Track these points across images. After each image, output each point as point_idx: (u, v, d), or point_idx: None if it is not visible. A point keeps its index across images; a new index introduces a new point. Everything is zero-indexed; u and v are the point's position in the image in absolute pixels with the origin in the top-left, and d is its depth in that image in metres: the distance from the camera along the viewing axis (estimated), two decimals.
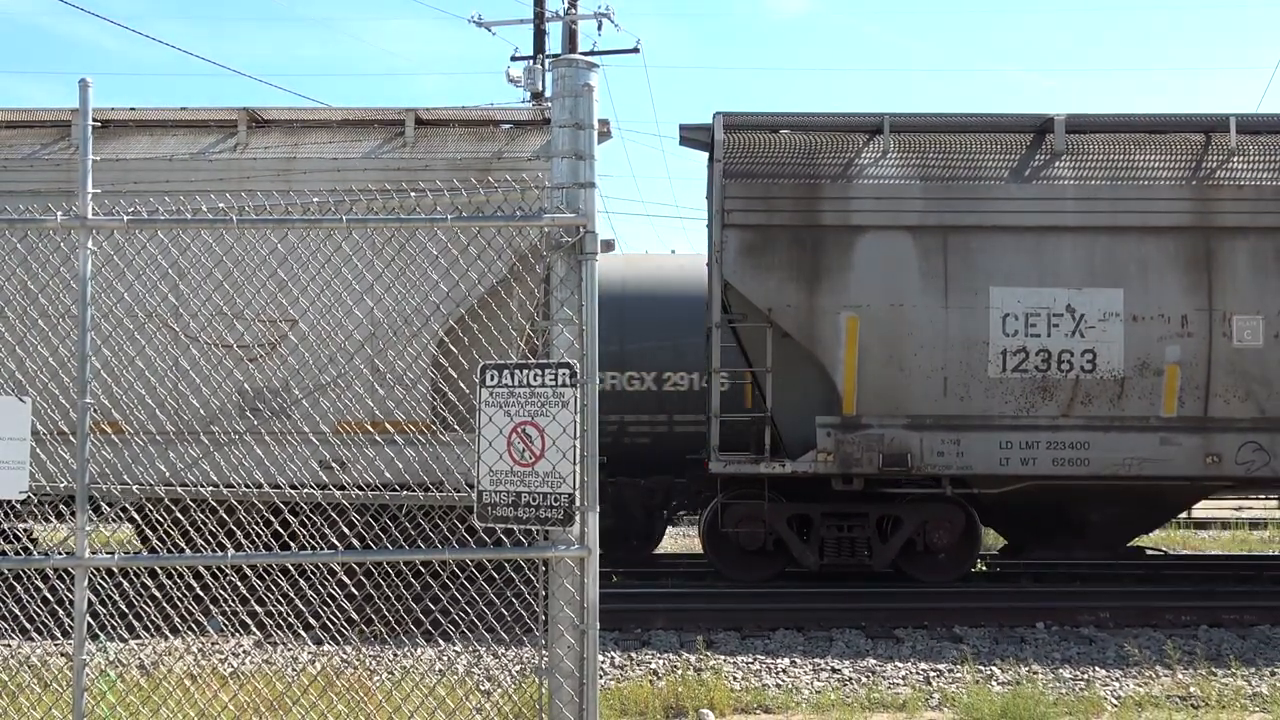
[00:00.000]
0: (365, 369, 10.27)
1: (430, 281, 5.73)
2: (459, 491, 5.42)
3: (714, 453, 11.62)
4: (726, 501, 12.06)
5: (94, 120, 12.51)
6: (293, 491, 5.64)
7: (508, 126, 12.02)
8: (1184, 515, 18.92)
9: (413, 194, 4.78)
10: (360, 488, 6.34)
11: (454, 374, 5.92)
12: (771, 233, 11.65)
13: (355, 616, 6.24)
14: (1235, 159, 11.79)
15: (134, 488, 5.66)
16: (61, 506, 6.17)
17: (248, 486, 5.89)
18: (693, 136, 12.37)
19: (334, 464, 9.07)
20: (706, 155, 12.38)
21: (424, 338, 10.18)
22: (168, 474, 7.05)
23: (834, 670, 8.90)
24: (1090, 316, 11.46)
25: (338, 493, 5.71)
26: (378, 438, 8.24)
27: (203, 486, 5.74)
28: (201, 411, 9.34)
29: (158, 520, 5.83)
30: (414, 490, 6.22)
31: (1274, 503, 21.53)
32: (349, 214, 4.74)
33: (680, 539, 18.16)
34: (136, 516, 6.06)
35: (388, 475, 8.42)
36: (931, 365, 11.49)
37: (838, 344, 11.50)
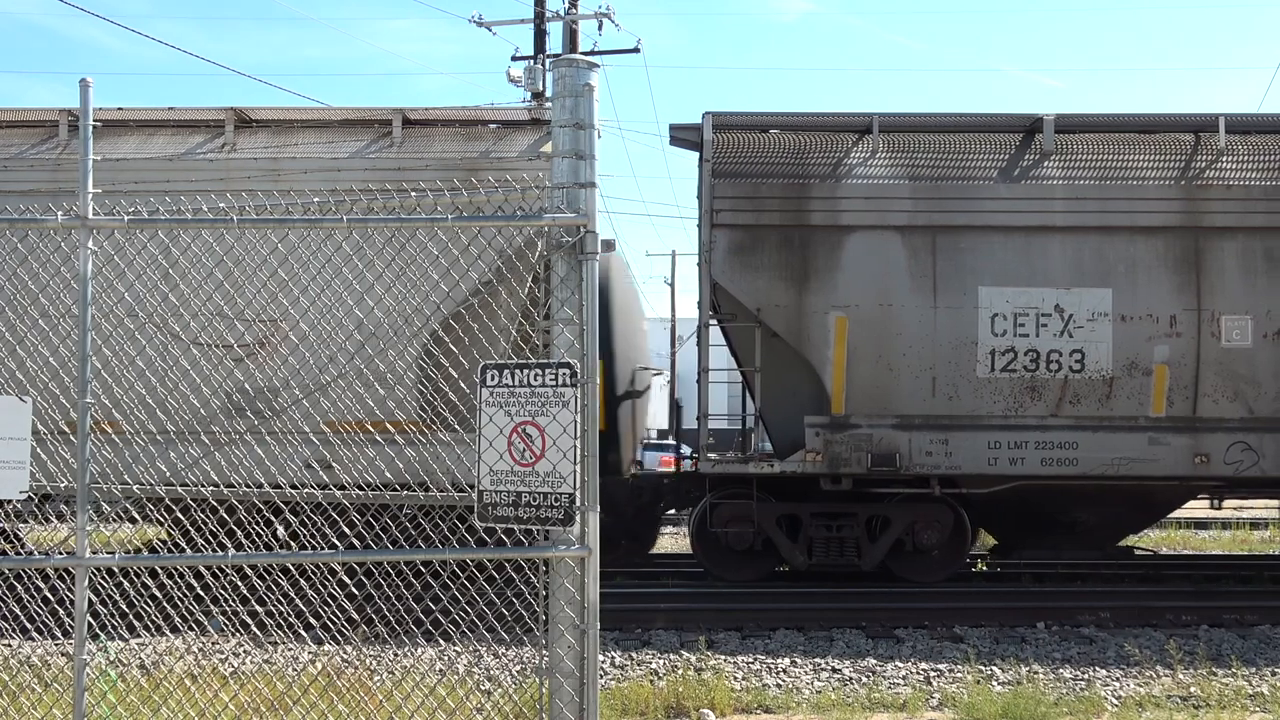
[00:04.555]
0: (365, 368, 10.26)
1: (424, 281, 5.74)
2: (459, 491, 5.43)
3: (703, 452, 11.61)
4: (715, 501, 12.05)
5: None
6: (293, 491, 5.64)
7: (495, 126, 12.03)
8: (1183, 515, 18.94)
9: (401, 194, 4.78)
10: (360, 487, 6.34)
11: (453, 373, 5.92)
12: (760, 232, 11.65)
13: (355, 616, 6.24)
14: (1224, 159, 11.79)
15: (134, 487, 5.66)
16: (62, 506, 6.17)
17: (247, 486, 5.89)
18: (682, 136, 12.36)
19: (328, 464, 9.07)
20: (697, 155, 12.37)
21: (416, 337, 10.20)
22: (168, 474, 7.05)
23: (834, 670, 8.90)
24: (1079, 316, 11.46)
25: (338, 493, 5.72)
26: (378, 437, 8.23)
27: (203, 486, 5.75)
28: (202, 411, 9.35)
29: (159, 520, 5.84)
30: (414, 489, 6.22)
31: (1275, 502, 21.48)
32: (349, 214, 4.75)
33: (680, 539, 18.15)
34: (139, 514, 6.05)
35: (388, 475, 8.42)
36: (920, 365, 11.49)
37: (826, 344, 11.50)
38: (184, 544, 5.91)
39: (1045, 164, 11.79)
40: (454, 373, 5.58)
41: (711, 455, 11.66)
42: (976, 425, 11.47)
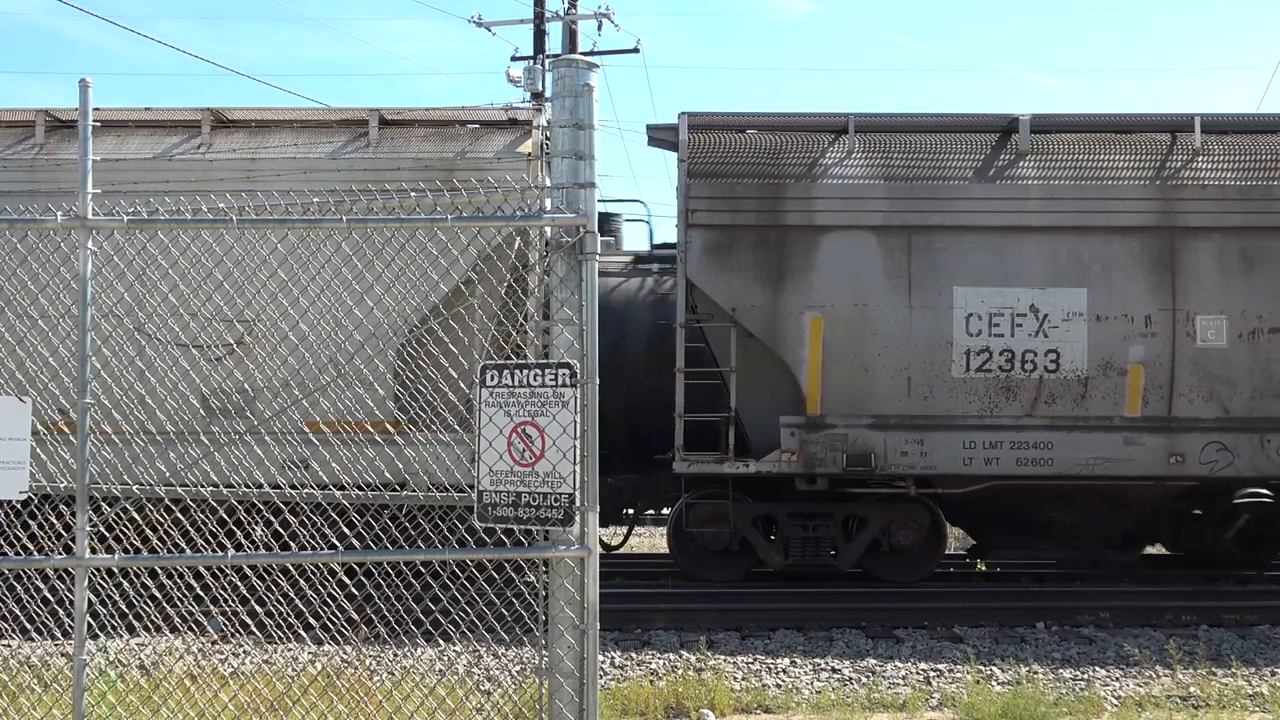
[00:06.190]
0: (358, 369, 10.26)
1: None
2: (458, 491, 5.43)
3: (678, 452, 11.59)
4: (692, 501, 12.04)
5: (57, 120, 12.50)
6: (292, 492, 5.64)
7: (473, 126, 12.03)
8: None
9: (399, 194, 4.78)
10: (355, 488, 6.33)
11: (433, 373, 5.92)
12: (736, 233, 11.63)
13: (355, 616, 6.24)
14: (1200, 159, 11.79)
15: (134, 488, 5.66)
16: (61, 506, 6.16)
17: (246, 487, 5.89)
18: (659, 137, 12.33)
19: (308, 464, 9.07)
20: (676, 156, 12.29)
21: (392, 337, 10.22)
22: (168, 473, 7.05)
23: (834, 670, 8.90)
24: (1054, 316, 11.45)
25: (338, 493, 5.72)
26: (378, 438, 8.22)
27: (202, 487, 5.74)
28: (202, 412, 9.34)
29: (158, 521, 5.84)
30: (408, 490, 6.22)
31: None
32: (348, 214, 4.75)
33: None
34: (136, 516, 6.06)
35: (386, 476, 8.41)
36: (895, 365, 11.48)
37: (802, 344, 11.49)
38: (183, 544, 5.91)
39: (1021, 164, 11.80)
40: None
41: (687, 455, 11.61)
42: (952, 425, 11.46)
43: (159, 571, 6.60)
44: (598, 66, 4.68)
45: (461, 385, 6.52)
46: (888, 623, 10.37)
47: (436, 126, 11.92)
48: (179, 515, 5.95)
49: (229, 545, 5.39)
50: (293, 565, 5.50)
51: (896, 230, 11.57)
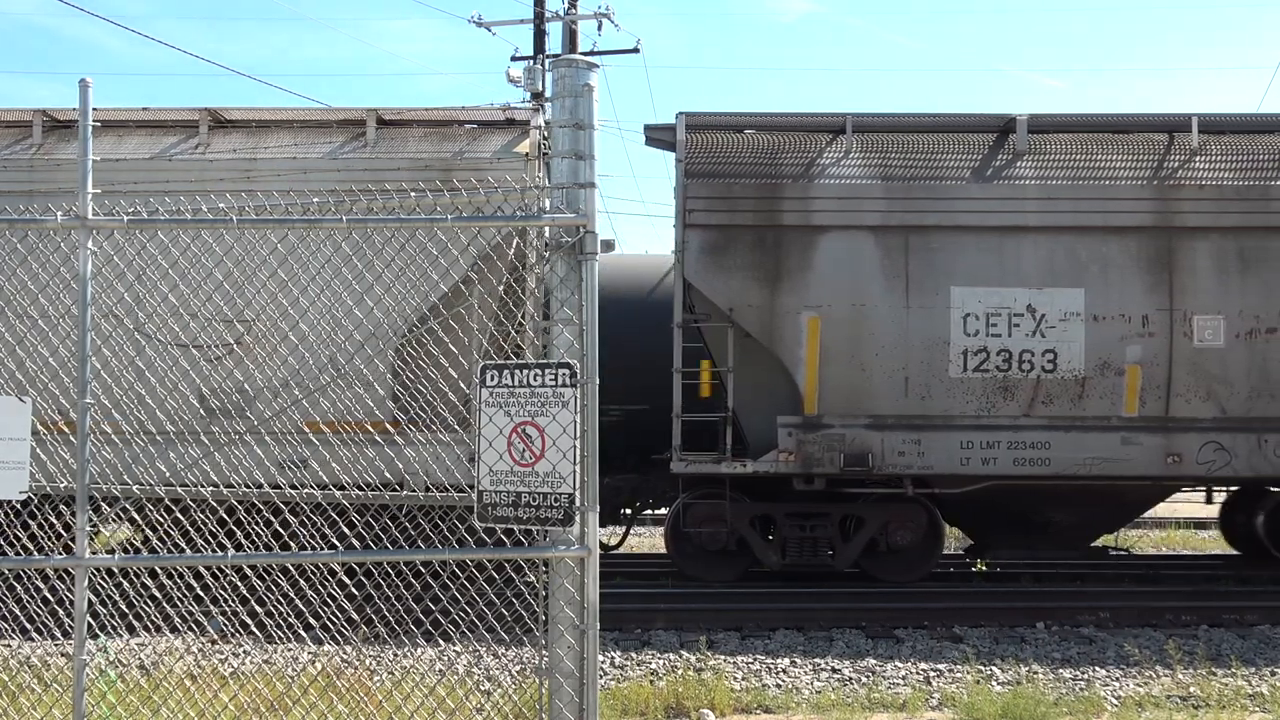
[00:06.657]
0: (358, 369, 10.26)
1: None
2: (458, 491, 5.43)
3: (676, 452, 11.59)
4: (689, 501, 12.04)
5: (55, 120, 12.51)
6: (292, 492, 5.64)
7: (471, 126, 12.05)
8: (1184, 515, 18.94)
9: (400, 195, 4.78)
10: (352, 487, 6.33)
11: (453, 373, 5.93)
12: (733, 233, 11.61)
13: (355, 616, 6.24)
14: (1197, 159, 11.77)
15: (134, 488, 5.66)
16: (61, 506, 6.16)
17: (247, 487, 5.89)
18: (658, 137, 12.31)
19: (303, 464, 9.08)
20: (674, 156, 12.27)
21: (392, 337, 10.23)
22: (168, 473, 7.05)
23: (834, 670, 8.90)
24: (1051, 316, 11.44)
25: (338, 493, 5.72)
26: (378, 438, 8.23)
27: (202, 486, 5.74)
28: (202, 412, 9.34)
29: (158, 520, 5.84)
30: (414, 490, 6.23)
31: None
32: (349, 214, 4.75)
33: None
34: (136, 517, 6.06)
35: (387, 476, 8.41)
36: (893, 365, 11.46)
37: (799, 344, 11.48)
38: (183, 544, 5.91)
39: (1018, 164, 11.77)
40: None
41: (684, 455, 11.60)
42: (949, 425, 11.44)
43: (159, 571, 6.60)
44: (598, 66, 4.68)
45: (461, 385, 6.54)
46: (887, 623, 10.37)
47: (434, 127, 11.93)
48: (179, 515, 5.95)
49: (229, 545, 5.39)
50: (293, 565, 5.50)
51: (894, 230, 11.56)
